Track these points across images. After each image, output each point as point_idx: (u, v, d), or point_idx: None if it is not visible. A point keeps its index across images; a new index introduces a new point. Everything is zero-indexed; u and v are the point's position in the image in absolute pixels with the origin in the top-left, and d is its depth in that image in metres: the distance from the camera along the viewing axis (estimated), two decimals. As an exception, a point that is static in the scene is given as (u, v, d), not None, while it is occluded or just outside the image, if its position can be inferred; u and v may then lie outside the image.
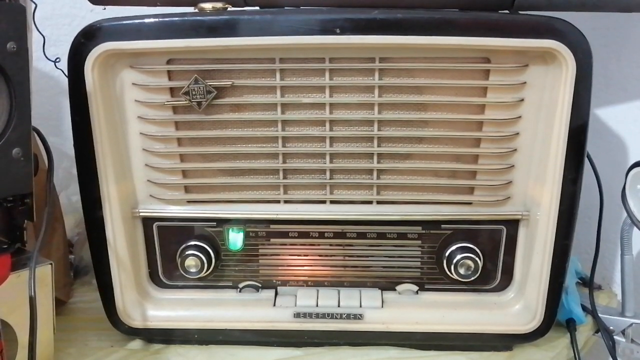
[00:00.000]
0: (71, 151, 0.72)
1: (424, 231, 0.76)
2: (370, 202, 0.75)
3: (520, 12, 0.69)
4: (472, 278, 0.75)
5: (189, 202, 0.76)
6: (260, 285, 0.79)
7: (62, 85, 0.69)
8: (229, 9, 0.69)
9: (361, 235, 0.77)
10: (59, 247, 0.86)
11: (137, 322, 0.78)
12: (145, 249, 0.78)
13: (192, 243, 0.77)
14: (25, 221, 0.67)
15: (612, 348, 0.84)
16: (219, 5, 0.68)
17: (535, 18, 0.67)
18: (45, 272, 0.66)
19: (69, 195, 1.03)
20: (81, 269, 0.97)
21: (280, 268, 0.79)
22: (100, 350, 0.78)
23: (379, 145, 0.72)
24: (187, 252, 0.76)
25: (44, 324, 0.66)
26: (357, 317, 0.77)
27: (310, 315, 0.77)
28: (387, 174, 0.74)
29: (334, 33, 0.66)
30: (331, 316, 0.77)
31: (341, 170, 0.74)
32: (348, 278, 0.79)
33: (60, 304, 0.86)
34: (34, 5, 0.81)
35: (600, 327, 0.85)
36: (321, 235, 0.77)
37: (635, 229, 0.80)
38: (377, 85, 0.70)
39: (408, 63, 0.69)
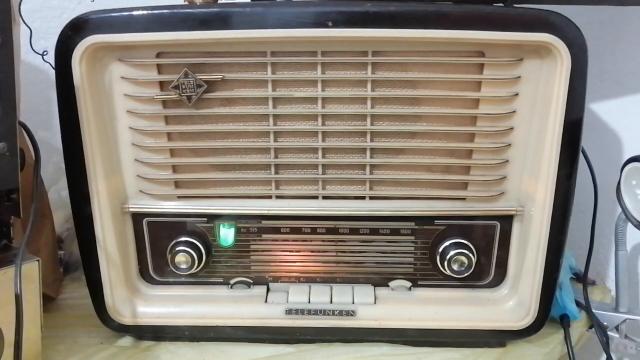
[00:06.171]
0: (61, 145, 0.71)
1: (417, 227, 0.76)
2: (363, 198, 0.74)
3: (515, 5, 0.68)
4: (466, 274, 0.75)
5: (180, 197, 0.75)
6: (251, 282, 0.79)
7: (52, 78, 0.68)
8: (219, 1, 0.68)
9: (354, 231, 0.76)
10: (48, 243, 0.85)
11: (127, 319, 0.77)
12: (135, 245, 0.77)
13: (183, 239, 0.76)
14: (12, 217, 0.66)
15: (605, 344, 0.84)
16: (209, -3, 0.67)
17: (530, 11, 0.66)
18: (32, 269, 0.65)
19: (58, 190, 1.02)
20: (71, 265, 0.97)
21: (272, 264, 0.78)
22: (90, 348, 0.77)
23: (371, 140, 0.71)
24: (177, 248, 0.75)
25: (30, 321, 0.65)
26: (350, 313, 0.76)
27: (302, 311, 0.76)
28: (380, 169, 0.73)
29: (326, 26, 0.65)
30: (323, 313, 0.76)
31: (333, 165, 0.73)
32: (340, 274, 0.78)
33: (49, 301, 0.85)
34: (19, -3, 0.79)
35: (594, 323, 0.84)
36: (313, 231, 0.76)
37: (629, 224, 0.80)
38: (370, 79, 0.69)
39: (401, 57, 0.68)
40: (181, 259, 0.75)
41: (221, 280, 0.79)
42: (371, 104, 0.70)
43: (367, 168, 0.73)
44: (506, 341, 0.79)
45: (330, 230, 0.76)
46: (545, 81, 0.68)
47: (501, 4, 0.69)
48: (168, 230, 0.76)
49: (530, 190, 0.72)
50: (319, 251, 0.77)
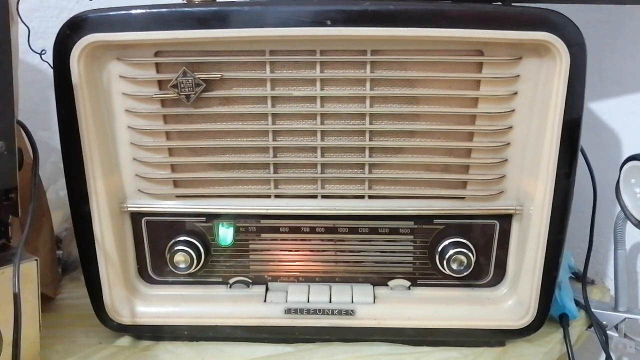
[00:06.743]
0: (59, 145, 0.71)
1: (416, 226, 0.75)
2: (362, 197, 0.74)
3: (514, 3, 0.68)
4: (465, 273, 0.75)
5: (178, 196, 0.75)
6: (250, 281, 0.79)
7: (50, 78, 0.68)
8: (217, -1, 0.68)
9: (353, 230, 0.76)
10: (46, 242, 0.85)
11: (125, 319, 0.77)
12: (134, 244, 0.77)
13: (182, 238, 0.76)
14: (10, 216, 0.66)
15: (605, 343, 0.84)
16: (208, -5, 0.67)
17: (529, 10, 0.66)
18: (30, 268, 0.65)
19: (57, 189, 1.02)
20: (69, 265, 0.96)
21: (271, 263, 0.78)
22: (88, 347, 0.77)
23: (370, 139, 0.71)
24: (176, 248, 0.75)
25: (29, 321, 0.65)
26: (349, 313, 0.76)
27: (301, 311, 0.76)
28: (379, 168, 0.73)
29: (325, 25, 0.65)
30: (322, 312, 0.76)
31: (332, 164, 0.73)
32: (339, 273, 0.78)
33: (47, 300, 0.85)
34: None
35: (593, 322, 0.84)
36: (312, 230, 0.76)
37: (628, 223, 0.80)
38: (369, 78, 0.69)
39: (400, 55, 0.68)
40: (180, 258, 0.75)
41: (220, 279, 0.79)
42: (370, 102, 0.70)
43: (366, 167, 0.73)
44: (505, 340, 0.79)
45: (329, 230, 0.76)
46: (544, 80, 0.67)
47: (500, 3, 0.68)
48: (167, 230, 0.76)
49: (530, 189, 0.72)
50: (318, 250, 0.77)
